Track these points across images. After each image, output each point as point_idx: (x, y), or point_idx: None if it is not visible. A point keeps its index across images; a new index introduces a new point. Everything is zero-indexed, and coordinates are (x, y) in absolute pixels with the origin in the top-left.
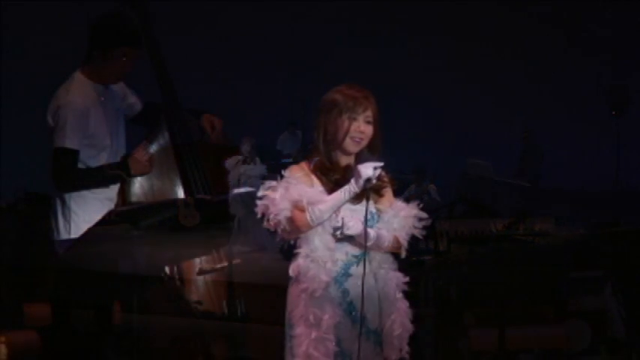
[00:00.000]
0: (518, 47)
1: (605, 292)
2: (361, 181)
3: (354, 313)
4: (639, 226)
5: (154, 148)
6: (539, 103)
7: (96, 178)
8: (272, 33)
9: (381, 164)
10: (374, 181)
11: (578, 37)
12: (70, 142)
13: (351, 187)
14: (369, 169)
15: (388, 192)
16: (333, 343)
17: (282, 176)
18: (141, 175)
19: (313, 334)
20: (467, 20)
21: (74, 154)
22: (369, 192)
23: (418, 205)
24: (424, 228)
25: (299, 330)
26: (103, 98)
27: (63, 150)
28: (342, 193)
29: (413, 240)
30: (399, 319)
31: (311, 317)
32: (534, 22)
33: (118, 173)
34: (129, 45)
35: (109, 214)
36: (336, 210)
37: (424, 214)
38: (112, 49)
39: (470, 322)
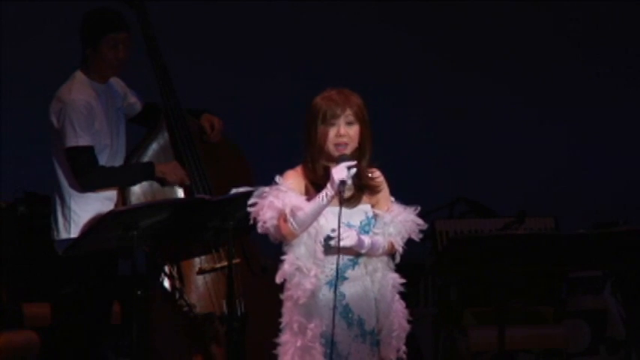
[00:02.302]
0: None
1: (604, 292)
2: (335, 185)
3: (350, 316)
4: (639, 227)
5: (153, 148)
6: (539, 102)
7: (119, 176)
8: (275, 31)
9: (354, 163)
10: (349, 182)
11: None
12: (83, 140)
13: (328, 191)
14: (342, 172)
15: (385, 193)
16: (320, 353)
17: (275, 182)
18: (164, 177)
19: (298, 343)
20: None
21: (90, 150)
22: (342, 195)
23: (415, 209)
24: (420, 232)
25: (284, 337)
26: (103, 97)
27: (78, 149)
28: (320, 199)
29: (409, 243)
30: (397, 320)
31: (295, 325)
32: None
33: (143, 174)
34: (112, 31)
35: (109, 213)
36: (318, 216)
37: (420, 221)
38: (99, 40)
39: (469, 322)
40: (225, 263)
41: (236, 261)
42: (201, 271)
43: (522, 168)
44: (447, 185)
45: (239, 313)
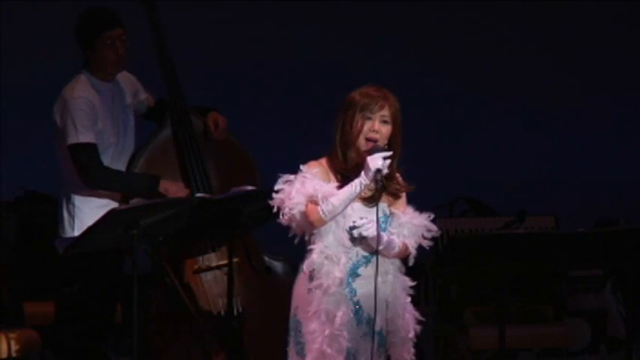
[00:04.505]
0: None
1: (605, 291)
2: (370, 173)
3: (360, 313)
4: (639, 225)
5: (155, 145)
6: (541, 100)
7: (122, 183)
8: (279, 30)
9: (390, 153)
10: (385, 171)
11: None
12: (84, 137)
13: (362, 180)
14: (378, 160)
15: (403, 196)
16: (346, 340)
17: (300, 171)
18: (166, 194)
19: (327, 331)
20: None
21: (91, 147)
22: (379, 183)
23: (429, 216)
24: (432, 239)
25: (312, 327)
26: (109, 95)
27: (79, 145)
28: (354, 187)
29: (420, 249)
30: (407, 322)
31: (324, 314)
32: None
33: (146, 185)
34: (107, 29)
35: (108, 213)
36: (349, 204)
37: (434, 227)
38: (95, 41)
39: (470, 321)
40: (222, 262)
41: (234, 260)
42: (199, 270)
43: (522, 167)
44: (448, 184)
45: (236, 313)
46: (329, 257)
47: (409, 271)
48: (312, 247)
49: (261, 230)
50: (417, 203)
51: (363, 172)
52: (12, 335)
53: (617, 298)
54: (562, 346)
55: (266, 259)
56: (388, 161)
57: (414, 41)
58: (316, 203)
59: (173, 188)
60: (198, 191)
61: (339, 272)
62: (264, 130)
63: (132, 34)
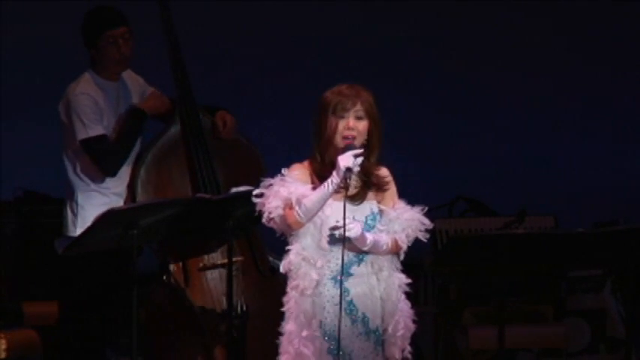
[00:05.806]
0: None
1: (604, 291)
2: (341, 172)
3: (354, 313)
4: (639, 225)
5: (163, 141)
6: (541, 100)
7: (122, 140)
8: (292, 31)
9: (361, 151)
10: (355, 169)
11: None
12: (93, 130)
13: (334, 179)
14: (348, 159)
15: (392, 191)
16: (324, 341)
17: (281, 174)
18: (155, 110)
19: (304, 333)
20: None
21: (103, 138)
22: (349, 182)
23: (422, 209)
24: (427, 231)
25: (289, 327)
26: (113, 94)
27: (90, 140)
28: (326, 187)
29: (419, 245)
30: (402, 320)
31: (302, 316)
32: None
33: (135, 114)
34: (109, 28)
35: (108, 213)
36: (323, 204)
37: (427, 220)
38: (98, 39)
39: (469, 321)
40: (226, 260)
41: (238, 259)
42: (204, 268)
43: (522, 167)
44: (447, 184)
45: (239, 311)
46: (306, 259)
47: (408, 270)
48: (289, 247)
49: (266, 230)
50: (417, 203)
51: (334, 172)
52: (11, 335)
53: (617, 298)
54: (561, 346)
55: (271, 259)
56: (360, 159)
57: (416, 41)
58: (292, 206)
59: (154, 102)
60: (206, 189)
61: (315, 274)
62: (273, 130)
63: (143, 33)
